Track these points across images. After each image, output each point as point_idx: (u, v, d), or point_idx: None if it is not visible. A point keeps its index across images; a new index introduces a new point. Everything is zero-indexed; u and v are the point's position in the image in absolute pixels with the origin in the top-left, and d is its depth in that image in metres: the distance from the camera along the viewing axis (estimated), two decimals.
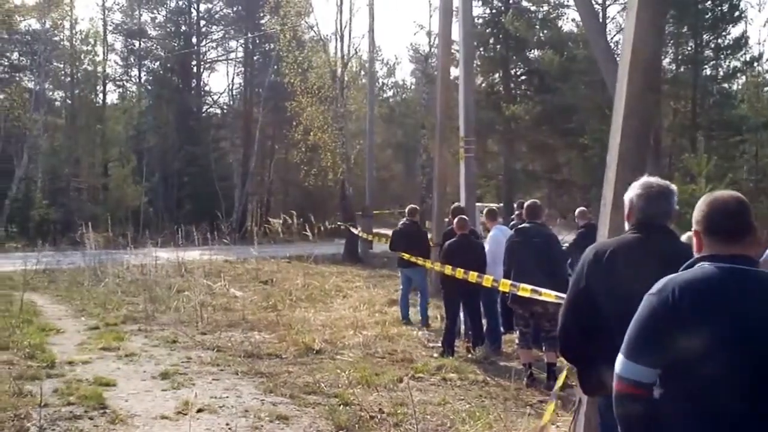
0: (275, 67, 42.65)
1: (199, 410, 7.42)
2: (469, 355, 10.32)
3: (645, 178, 3.93)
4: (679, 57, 30.66)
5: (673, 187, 3.87)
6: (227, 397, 8.08)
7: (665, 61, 28.74)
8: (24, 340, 10.60)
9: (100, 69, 47.95)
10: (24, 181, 40.61)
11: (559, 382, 6.35)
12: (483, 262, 10.47)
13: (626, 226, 3.95)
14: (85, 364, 9.48)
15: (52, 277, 19.54)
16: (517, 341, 9.70)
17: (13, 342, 10.53)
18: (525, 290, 8.30)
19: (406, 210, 14.34)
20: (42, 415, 6.87)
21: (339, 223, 29.56)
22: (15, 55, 49.03)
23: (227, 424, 7.10)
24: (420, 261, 12.27)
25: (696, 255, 2.86)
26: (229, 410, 7.58)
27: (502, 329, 11.28)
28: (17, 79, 47.28)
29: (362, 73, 35.52)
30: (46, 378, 8.62)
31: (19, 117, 40.19)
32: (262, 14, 46.84)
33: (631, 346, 2.73)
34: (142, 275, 18.11)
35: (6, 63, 49.18)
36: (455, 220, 11.17)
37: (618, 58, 6.96)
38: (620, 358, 2.75)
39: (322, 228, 27.00)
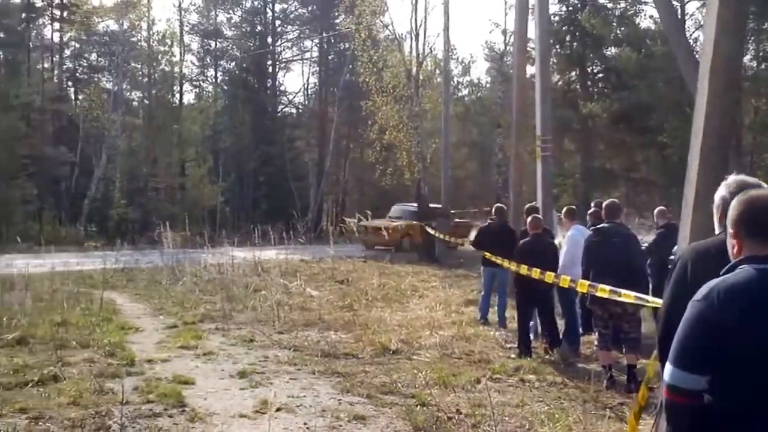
0: (350, 66, 42.84)
1: (277, 409, 7.43)
2: (547, 357, 10.19)
3: (738, 177, 3.77)
4: (760, 54, 29.93)
5: (765, 185, 3.72)
6: (304, 396, 8.08)
7: (745, 58, 28.06)
8: (104, 338, 10.77)
9: (176, 69, 48.63)
10: (103, 181, 41.41)
11: (642, 394, 6.15)
12: (555, 263, 10.34)
13: (716, 228, 3.80)
14: (164, 363, 9.57)
15: (130, 276, 19.86)
16: (596, 342, 9.54)
17: (94, 340, 10.71)
18: (603, 291, 8.13)
19: (493, 209, 14.19)
20: (123, 413, 6.94)
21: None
22: (93, 56, 50.20)
23: (305, 424, 7.09)
24: (499, 260, 12.11)
25: (735, 257, 2.77)
26: (307, 409, 7.57)
27: (580, 330, 11.11)
28: (96, 79, 48.34)
29: (437, 71, 35.38)
30: (126, 376, 8.73)
31: (97, 117, 41.05)
32: (336, 13, 47.17)
33: (678, 354, 2.65)
34: (219, 274, 18.29)
35: (85, 64, 50.38)
36: (528, 219, 11.05)
37: (697, 56, 6.80)
38: (668, 367, 2.67)
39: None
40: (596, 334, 9.39)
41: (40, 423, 6.87)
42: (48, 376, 8.44)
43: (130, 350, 10.12)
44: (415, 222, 29.90)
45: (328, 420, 7.23)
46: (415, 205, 31.74)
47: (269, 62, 53.08)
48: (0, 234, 27.24)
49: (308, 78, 57.87)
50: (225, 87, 53.44)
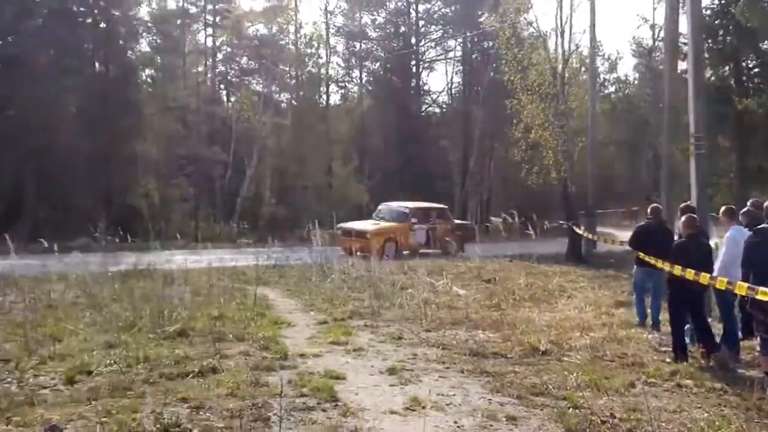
0: (494, 64, 42.61)
1: (427, 407, 7.46)
2: (704, 362, 9.84)
3: None
4: None
5: None
6: (454, 395, 8.07)
7: None
8: (258, 333, 11.06)
9: (323, 71, 49.60)
10: (254, 180, 42.64)
11: None
12: (709, 264, 9.99)
13: None
14: (316, 357, 9.75)
15: (281, 273, 20.23)
16: (757, 348, 9.16)
17: (249, 334, 11.01)
18: (765, 294, 7.80)
19: (649, 209, 13.81)
20: (281, 405, 7.09)
21: (561, 222, 28.89)
22: (244, 60, 51.61)
23: (455, 422, 7.08)
24: (652, 261, 11.76)
25: None
26: (457, 408, 7.56)
27: (740, 334, 10.70)
28: (246, 82, 49.79)
29: (583, 69, 34.75)
30: (279, 369, 8.93)
31: (249, 119, 42.33)
32: (480, 12, 46.90)
33: None
34: (366, 272, 18.46)
35: (236, 67, 51.90)
36: (683, 219, 10.72)
37: None
38: None
39: (545, 226, 26.51)
40: (758, 338, 9.03)
41: (201, 412, 7.12)
42: (207, 367, 8.75)
43: (284, 344, 10.37)
44: (402, 224, 27.84)
45: (479, 419, 7.19)
46: (405, 204, 30.06)
47: (413, 62, 53.43)
48: (160, 231, 28.41)
49: (452, 77, 58.12)
50: (370, 87, 54.19)
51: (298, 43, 48.33)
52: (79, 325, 11.45)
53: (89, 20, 41.42)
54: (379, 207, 30.58)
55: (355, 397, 7.88)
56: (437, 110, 57.78)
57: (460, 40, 53.06)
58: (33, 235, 23.82)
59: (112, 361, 8.92)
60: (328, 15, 51.64)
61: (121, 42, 42.34)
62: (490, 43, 44.22)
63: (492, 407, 7.59)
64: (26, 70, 34.56)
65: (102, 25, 41.20)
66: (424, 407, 7.45)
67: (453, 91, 57.03)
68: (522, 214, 30.90)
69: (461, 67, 54.88)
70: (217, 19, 49.36)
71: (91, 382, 8.14)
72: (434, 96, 57.64)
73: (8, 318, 12.24)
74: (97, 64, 41.61)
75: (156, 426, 6.52)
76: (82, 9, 41.30)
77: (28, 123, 34.86)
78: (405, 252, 25.42)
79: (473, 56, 53.09)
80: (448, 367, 9.41)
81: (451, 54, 56.28)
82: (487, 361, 9.79)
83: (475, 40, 50.66)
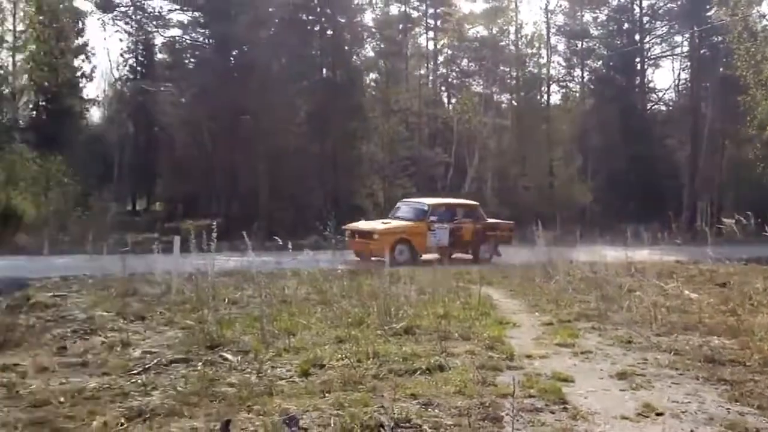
0: (724, 60, 40.92)
1: (660, 413, 7.24)
2: None
3: None
4: None
5: None
6: (689, 402, 7.74)
7: None
8: (483, 332, 11.06)
9: (543, 71, 49.33)
10: (475, 180, 42.98)
11: None
12: None
13: None
14: (542, 359, 9.64)
15: (504, 273, 20.24)
16: None
17: (474, 333, 11.03)
18: None
19: None
20: (513, 406, 7.05)
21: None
22: (465, 62, 52.18)
23: (692, 431, 6.82)
24: None
25: None
26: (692, 416, 7.25)
27: None
28: (467, 84, 50.34)
29: None
30: (506, 369, 8.93)
31: (469, 120, 42.76)
32: (708, 6, 45.12)
33: None
34: (592, 273, 18.10)
35: (457, 69, 52.55)
36: None
37: None
38: None
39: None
40: None
41: (429, 409, 7.20)
42: (434, 365, 8.83)
43: (509, 345, 10.32)
44: (418, 223, 24.72)
45: (716, 429, 6.89)
46: (424, 200, 26.91)
47: (637, 59, 52.08)
48: None
49: (678, 73, 56.14)
50: (592, 86, 53.35)
51: (519, 43, 48.34)
52: (311, 320, 11.90)
53: (317, 28, 43.11)
54: (397, 204, 28.17)
55: (585, 400, 7.73)
56: (663, 108, 56.16)
57: (687, 35, 51.35)
58: (268, 234, 24.96)
59: (343, 356, 9.19)
60: (549, 14, 51.43)
61: (346, 48, 43.76)
62: (720, 38, 42.53)
63: (731, 417, 7.23)
64: (260, 76, 36.42)
65: (329, 32, 42.78)
66: (659, 414, 7.22)
67: (680, 88, 55.26)
68: (758, 215, 29.15)
69: (688, 63, 53.07)
70: (438, 22, 50.15)
71: (324, 375, 8.43)
72: (660, 93, 56.14)
73: (246, 312, 12.90)
74: (324, 70, 43.20)
75: (389, 420, 6.65)
76: (310, 17, 43.04)
77: (261, 127, 36.82)
78: (424, 256, 23.60)
79: (701, 51, 51.02)
80: (681, 374, 9.04)
81: (677, 50, 54.73)
82: (724, 368, 9.30)
83: (703, 35, 48.69)
